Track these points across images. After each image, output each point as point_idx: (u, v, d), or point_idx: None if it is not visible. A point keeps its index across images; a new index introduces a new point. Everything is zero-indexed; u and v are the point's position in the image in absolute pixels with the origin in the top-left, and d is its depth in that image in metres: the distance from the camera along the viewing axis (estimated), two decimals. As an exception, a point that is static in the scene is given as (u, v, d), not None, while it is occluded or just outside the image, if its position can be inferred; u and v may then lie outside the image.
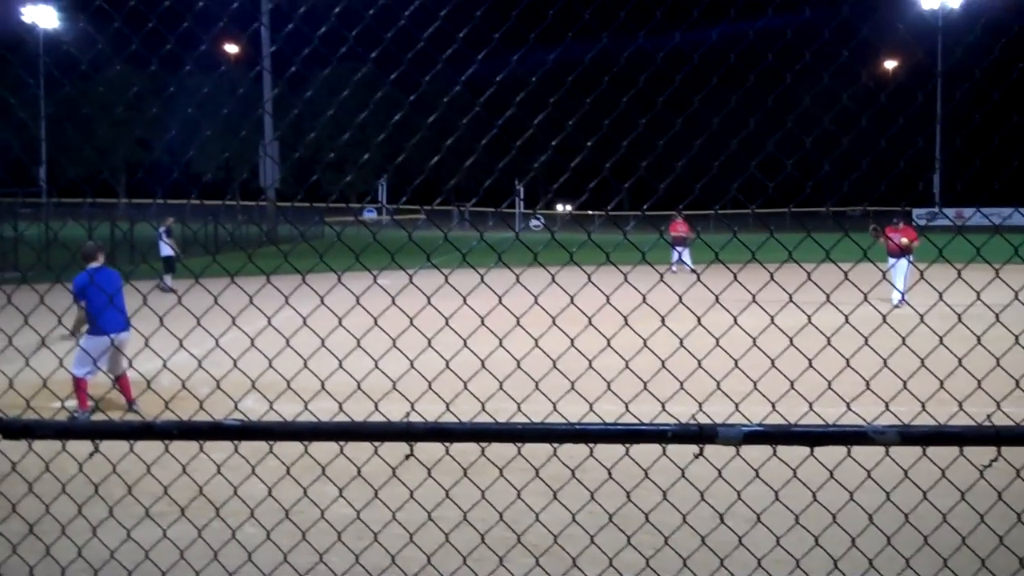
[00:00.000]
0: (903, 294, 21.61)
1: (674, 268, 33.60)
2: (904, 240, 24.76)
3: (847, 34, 5.53)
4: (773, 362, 4.89)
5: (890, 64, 78.24)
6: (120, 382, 12.61)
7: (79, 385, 12.28)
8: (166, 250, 30.94)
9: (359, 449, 5.37)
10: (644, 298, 5.04)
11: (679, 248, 35.31)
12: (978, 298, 5.31)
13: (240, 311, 5.19)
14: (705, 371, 5.18)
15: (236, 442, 5.02)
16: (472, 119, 5.50)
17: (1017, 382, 5.30)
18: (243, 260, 6.00)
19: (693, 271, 28.03)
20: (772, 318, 5.34)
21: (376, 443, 4.72)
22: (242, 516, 6.17)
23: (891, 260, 25.00)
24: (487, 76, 5.60)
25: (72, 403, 12.41)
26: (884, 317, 5.03)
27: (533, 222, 69.77)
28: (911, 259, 24.80)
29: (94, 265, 12.59)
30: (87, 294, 11.81)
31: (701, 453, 4.48)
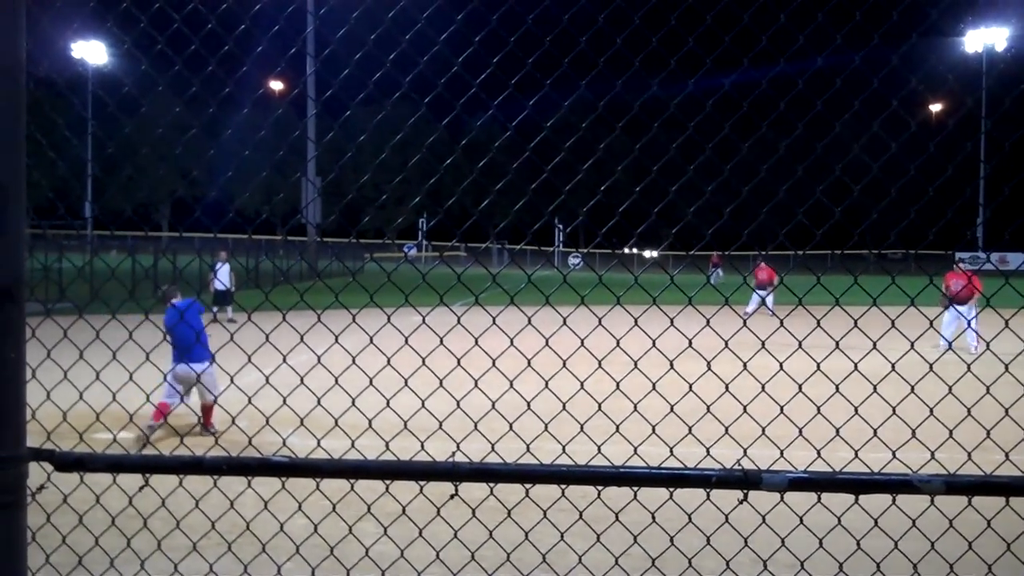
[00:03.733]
0: (950, 342, 21.29)
1: (748, 311, 33.45)
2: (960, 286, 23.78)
3: (895, 82, 5.57)
4: (819, 408, 4.90)
5: (936, 108, 77.85)
6: (203, 409, 13.25)
7: (160, 406, 12.79)
8: (220, 283, 30.88)
9: (404, 488, 5.42)
10: (690, 342, 5.07)
11: (761, 292, 35.19)
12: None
13: (291, 349, 5.27)
14: (750, 416, 5.18)
15: (283, 478, 5.08)
16: (518, 161, 5.59)
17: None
18: (291, 295, 6.09)
19: (774, 315, 27.90)
20: (818, 364, 5.34)
21: (421, 482, 4.76)
22: (287, 552, 6.23)
23: (954, 308, 23.73)
24: (536, 119, 5.69)
25: (145, 423, 12.72)
26: (931, 365, 5.02)
27: (573, 260, 69.88)
28: (967, 307, 23.67)
29: (176, 301, 13.46)
30: (175, 331, 12.32)
31: (746, 499, 4.48)
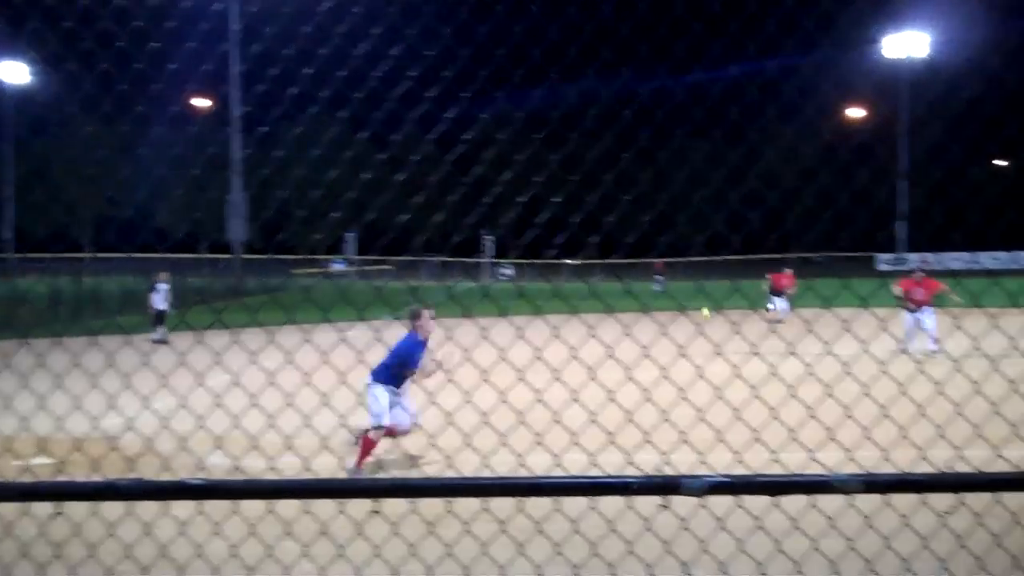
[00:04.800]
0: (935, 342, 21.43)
1: (770, 308, 32.74)
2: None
3: (816, 89, 5.63)
4: (769, 412, 4.93)
5: (856, 114, 79.21)
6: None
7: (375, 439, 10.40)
8: (159, 304, 30.49)
9: (325, 505, 5.35)
10: (646, 350, 5.07)
11: (776, 297, 34.20)
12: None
13: (207, 369, 5.18)
14: (670, 422, 5.20)
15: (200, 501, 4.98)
16: (441, 174, 5.56)
17: (991, 429, 5.37)
18: (212, 315, 5.98)
19: (780, 321, 27.93)
20: (771, 366, 5.39)
21: (342, 500, 4.70)
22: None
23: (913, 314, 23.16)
24: (456, 132, 5.66)
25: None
26: (882, 365, 5.08)
27: (503, 271, 69.86)
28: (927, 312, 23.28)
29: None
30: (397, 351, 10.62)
31: (667, 505, 4.49)
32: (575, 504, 5.05)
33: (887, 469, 4.69)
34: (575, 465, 5.17)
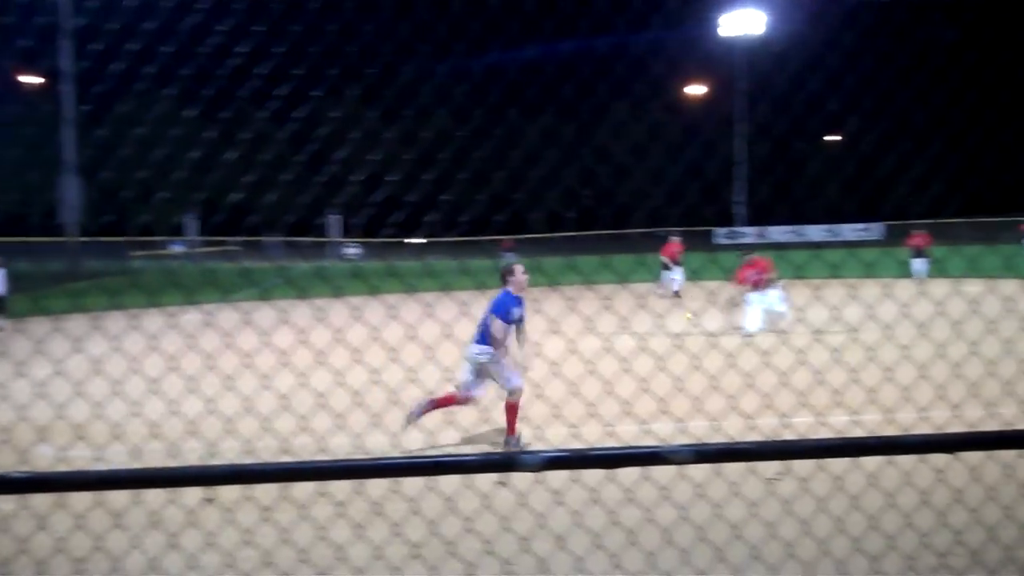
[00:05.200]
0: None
1: (670, 282, 30.74)
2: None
3: (646, 69, 5.70)
4: (604, 386, 4.98)
5: (695, 91, 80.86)
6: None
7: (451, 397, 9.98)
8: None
9: (157, 493, 5.20)
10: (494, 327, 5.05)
11: (674, 267, 31.72)
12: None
13: (29, 355, 4.96)
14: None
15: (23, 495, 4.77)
16: (280, 151, 5.44)
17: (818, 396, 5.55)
18: (52, 299, 5.73)
19: (676, 293, 27.16)
20: (610, 343, 5.43)
21: (174, 488, 4.57)
22: (31, 571, 5.86)
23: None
24: (288, 110, 5.54)
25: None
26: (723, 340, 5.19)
27: (350, 250, 69.08)
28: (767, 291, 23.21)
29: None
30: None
31: (504, 482, 4.52)
32: (413, 484, 5.03)
33: (718, 439, 4.81)
34: (413, 444, 5.15)
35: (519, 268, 10.00)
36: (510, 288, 10.05)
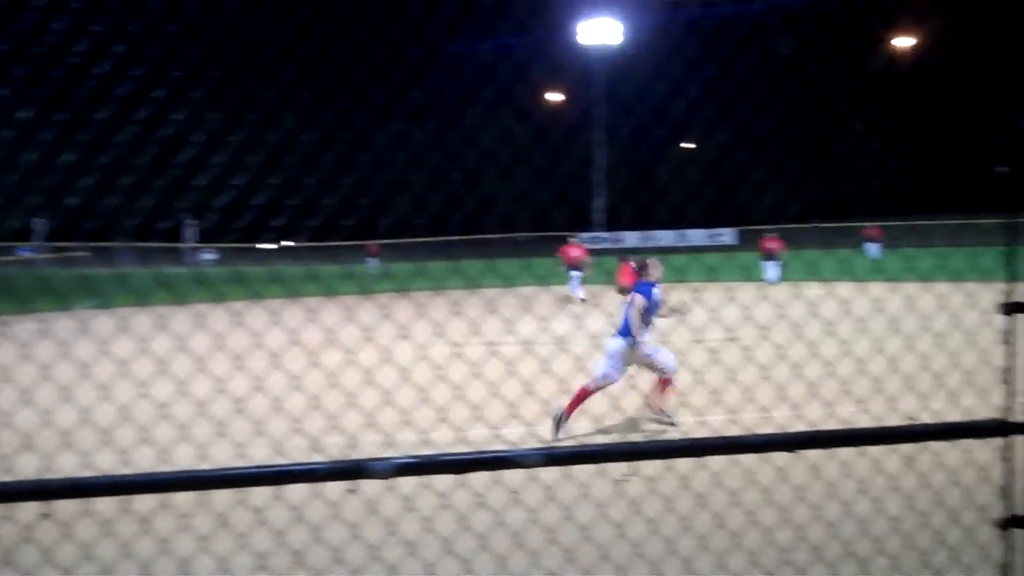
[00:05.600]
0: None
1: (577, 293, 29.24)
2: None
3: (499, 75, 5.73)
4: (454, 391, 4.97)
5: (555, 98, 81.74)
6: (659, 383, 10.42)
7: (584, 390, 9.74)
8: None
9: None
10: (336, 334, 4.98)
11: (574, 272, 30.27)
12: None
13: None
14: (357, 406, 5.17)
15: None
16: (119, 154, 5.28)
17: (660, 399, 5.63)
18: None
19: (583, 299, 25.63)
20: (460, 349, 5.42)
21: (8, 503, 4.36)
22: None
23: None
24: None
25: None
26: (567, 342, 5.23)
27: (205, 256, 67.46)
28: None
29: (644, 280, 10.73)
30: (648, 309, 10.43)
31: (354, 489, 4.47)
32: (260, 494, 4.94)
33: (569, 443, 4.85)
34: (259, 454, 5.05)
35: (652, 261, 10.65)
36: (648, 278, 10.48)
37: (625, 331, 10.00)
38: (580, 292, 26.96)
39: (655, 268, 10.66)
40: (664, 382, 10.09)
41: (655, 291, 10.36)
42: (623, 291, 23.18)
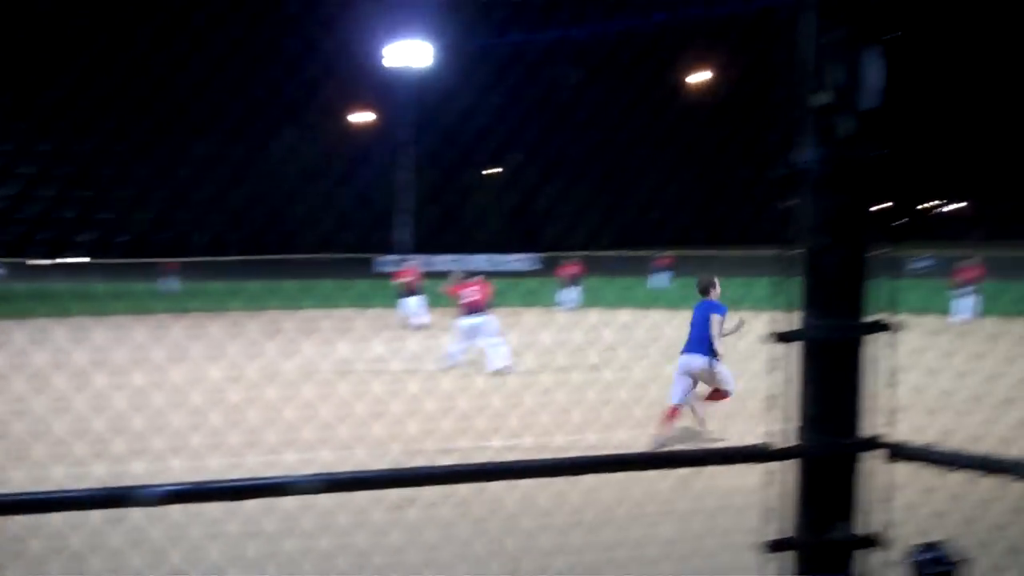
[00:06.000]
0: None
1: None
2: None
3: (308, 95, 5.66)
4: (229, 416, 4.82)
5: (362, 119, 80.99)
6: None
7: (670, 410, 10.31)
8: None
9: None
10: (109, 354, 4.75)
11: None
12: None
13: None
14: (126, 430, 4.99)
15: None
16: None
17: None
18: None
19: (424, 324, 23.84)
20: (239, 370, 5.27)
21: None
22: None
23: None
24: None
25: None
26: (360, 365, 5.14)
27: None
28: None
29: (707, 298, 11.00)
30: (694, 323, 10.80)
31: (119, 519, 4.30)
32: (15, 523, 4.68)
33: (348, 467, 4.82)
34: (17, 477, 4.79)
35: (715, 280, 11.25)
36: (712, 298, 10.91)
37: (703, 348, 10.40)
38: (423, 315, 24.78)
39: (717, 288, 11.21)
40: (718, 394, 10.61)
41: (724, 312, 10.95)
42: (467, 306, 22.43)
